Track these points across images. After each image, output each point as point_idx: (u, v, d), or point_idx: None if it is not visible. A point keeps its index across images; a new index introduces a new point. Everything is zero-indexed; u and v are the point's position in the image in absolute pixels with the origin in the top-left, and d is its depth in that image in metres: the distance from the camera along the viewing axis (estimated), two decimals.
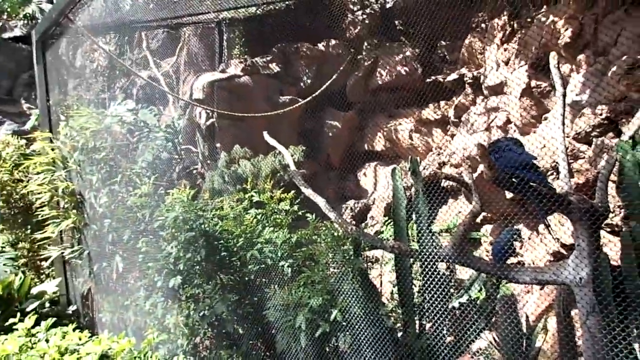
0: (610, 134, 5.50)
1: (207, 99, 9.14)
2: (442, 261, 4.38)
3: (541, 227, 6.06)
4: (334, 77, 9.36)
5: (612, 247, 4.03)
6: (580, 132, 5.60)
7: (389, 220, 6.21)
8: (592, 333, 3.46)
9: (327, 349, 3.60)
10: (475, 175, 7.70)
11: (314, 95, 8.90)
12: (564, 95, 3.91)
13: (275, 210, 5.32)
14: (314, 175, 8.43)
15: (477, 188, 4.83)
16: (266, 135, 6.05)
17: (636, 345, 3.43)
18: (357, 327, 3.53)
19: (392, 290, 5.22)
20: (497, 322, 4.42)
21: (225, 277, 5.08)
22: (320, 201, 5.06)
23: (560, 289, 4.43)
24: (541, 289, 5.97)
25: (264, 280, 4.65)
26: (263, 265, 4.71)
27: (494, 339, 4.69)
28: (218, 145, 9.05)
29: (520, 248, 5.75)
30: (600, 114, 5.46)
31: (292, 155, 5.56)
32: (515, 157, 3.41)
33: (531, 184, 3.38)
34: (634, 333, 3.41)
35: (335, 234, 4.64)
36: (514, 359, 4.38)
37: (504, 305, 3.86)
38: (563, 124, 3.95)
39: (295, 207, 5.41)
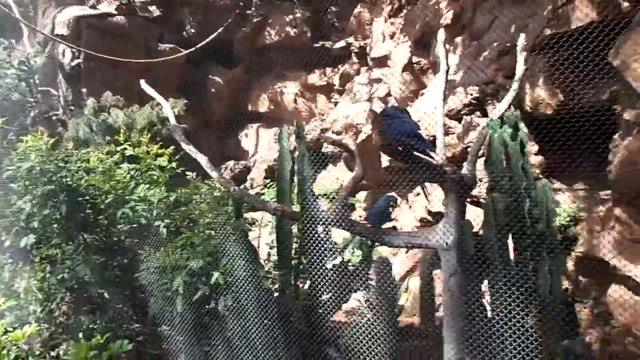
0: (478, 113, 6.04)
1: (72, 36, 8.06)
2: (323, 224, 4.45)
3: (411, 195, 6.50)
4: (220, 29, 8.87)
5: (475, 217, 4.45)
6: (452, 110, 6.05)
7: (271, 183, 6.14)
8: (452, 292, 3.80)
9: (206, 313, 3.47)
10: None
11: (197, 46, 8.35)
12: (447, 71, 4.13)
13: (152, 167, 4.91)
14: (194, 131, 7.99)
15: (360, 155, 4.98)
16: (144, 84, 5.51)
17: (486, 303, 3.85)
18: (238, 289, 3.45)
19: (269, 252, 5.22)
20: (371, 282, 4.68)
21: (90, 237, 4.60)
22: (202, 159, 4.80)
23: (425, 252, 4.78)
24: (406, 252, 6.45)
25: (136, 241, 4.29)
26: (136, 225, 4.33)
27: (365, 298, 4.96)
28: (84, 90, 8.09)
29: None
30: (471, 94, 5.93)
31: (172, 108, 5.16)
32: (405, 126, 3.53)
33: (416, 153, 3.54)
34: (487, 292, 3.82)
35: (217, 194, 4.45)
36: (382, 317, 4.69)
37: (379, 267, 4.07)
38: (444, 99, 4.17)
39: (174, 164, 5.05)
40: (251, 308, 3.55)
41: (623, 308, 4.29)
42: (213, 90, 9.56)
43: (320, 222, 4.46)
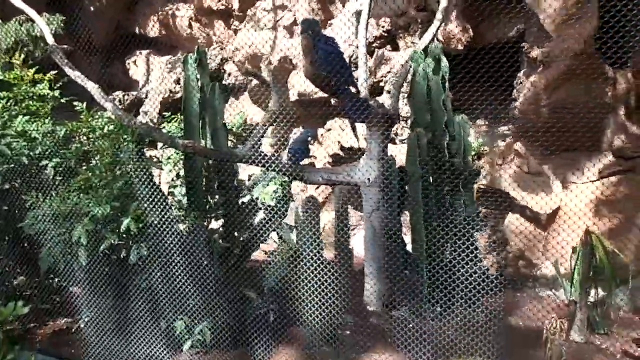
0: (389, 47, 5.95)
1: None
2: (238, 162, 4.15)
3: (321, 130, 6.36)
4: None
5: (397, 153, 4.46)
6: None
7: (171, 116, 5.56)
8: (374, 227, 3.82)
9: (115, 263, 3.05)
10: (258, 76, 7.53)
11: None
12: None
13: (30, 95, 4.07)
14: (71, 55, 6.91)
15: (275, 86, 4.67)
16: None
17: (407, 238, 3.94)
18: (149, 236, 3.07)
19: (173, 192, 4.82)
20: (286, 221, 4.55)
21: None
22: (92, 87, 4.14)
23: (337, 188, 4.71)
24: (316, 189, 6.40)
25: (16, 184, 3.59)
26: (14, 166, 3.60)
27: (278, 235, 4.85)
28: None
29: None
30: (382, 27, 5.79)
31: (48, 26, 4.29)
32: (337, 54, 3.28)
33: (346, 86, 3.34)
34: (407, 226, 3.88)
35: (115, 128, 3.88)
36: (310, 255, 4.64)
37: (307, 205, 3.93)
38: (367, 27, 3.97)
39: (57, 93, 4.25)
40: (165, 255, 3.22)
41: (518, 235, 4.69)
42: (92, 8, 8.29)
43: (236, 160, 4.16)
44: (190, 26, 8.57)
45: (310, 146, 4.25)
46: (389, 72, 5.60)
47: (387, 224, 3.80)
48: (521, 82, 4.61)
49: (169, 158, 4.57)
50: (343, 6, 6.94)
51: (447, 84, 3.75)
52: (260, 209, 4.69)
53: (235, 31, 8.53)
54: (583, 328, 3.24)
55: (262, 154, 4.10)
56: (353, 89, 3.48)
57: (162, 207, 3.26)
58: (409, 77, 3.94)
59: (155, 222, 3.12)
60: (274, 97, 4.14)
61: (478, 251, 4.38)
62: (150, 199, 3.20)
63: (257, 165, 4.11)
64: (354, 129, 4.15)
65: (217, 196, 4.35)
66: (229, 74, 7.97)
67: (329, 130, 6.04)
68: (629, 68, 4.02)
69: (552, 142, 4.46)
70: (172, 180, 4.64)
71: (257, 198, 4.76)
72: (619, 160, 4.13)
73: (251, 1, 8.18)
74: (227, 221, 4.32)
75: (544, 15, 4.03)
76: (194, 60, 4.34)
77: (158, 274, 3.13)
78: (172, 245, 3.38)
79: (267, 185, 5.98)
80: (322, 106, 6.21)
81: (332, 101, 6.02)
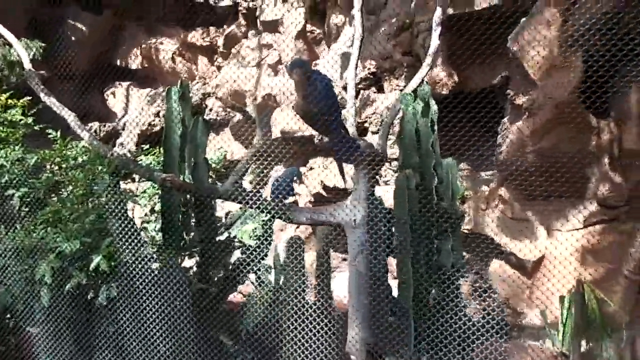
0: (374, 89, 5.98)
1: None
2: (219, 198, 3.99)
3: (303, 169, 6.26)
4: None
5: (381, 195, 4.36)
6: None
7: (149, 149, 5.40)
8: (359, 271, 3.66)
9: (82, 306, 2.77)
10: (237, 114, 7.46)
11: None
12: (362, 40, 3.90)
13: (0, 120, 3.84)
14: (48, 82, 6.72)
15: (261, 122, 4.57)
16: None
17: (393, 282, 3.79)
18: (122, 275, 2.82)
19: (147, 228, 4.59)
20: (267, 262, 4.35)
21: None
22: (69, 115, 3.97)
23: (319, 228, 4.55)
24: (296, 228, 6.23)
25: None
26: None
27: (256, 276, 4.65)
28: None
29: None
30: (369, 69, 5.83)
31: (27, 51, 4.14)
32: (330, 91, 3.21)
33: (336, 125, 3.26)
34: (394, 270, 3.74)
35: (88, 158, 3.68)
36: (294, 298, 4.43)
37: (291, 246, 3.76)
38: (356, 67, 3.95)
39: (30, 120, 4.04)
40: (136, 296, 2.98)
41: (502, 283, 4.59)
42: (73, 38, 8.18)
43: (217, 196, 3.99)
44: (173, 60, 8.51)
45: (295, 185, 4.12)
46: (373, 113, 5.60)
47: (373, 267, 3.65)
48: (506, 128, 4.63)
49: (144, 192, 4.38)
50: (329, 48, 7.01)
51: (435, 127, 3.71)
52: (238, 247, 4.49)
53: (219, 67, 8.51)
54: None
55: (245, 191, 3.95)
56: (342, 129, 3.41)
57: (136, 244, 3.05)
58: (397, 118, 3.91)
59: (129, 260, 2.89)
60: (259, 133, 4.04)
61: (466, 299, 4.26)
62: (125, 235, 2.99)
63: (239, 202, 3.95)
64: (341, 169, 4.05)
65: (193, 233, 4.15)
66: (210, 109, 7.89)
67: (311, 169, 5.95)
68: (610, 118, 4.08)
69: (536, 189, 4.45)
70: (146, 215, 4.42)
71: (234, 237, 4.57)
72: (604, 209, 4.13)
73: (237, 39, 8.22)
74: (203, 260, 4.10)
75: (529, 63, 4.09)
76: (177, 93, 4.24)
77: (127, 317, 2.88)
78: (145, 286, 3.15)
79: (246, 223, 5.80)
80: (305, 144, 6.14)
81: (315, 140, 5.96)
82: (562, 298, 3.93)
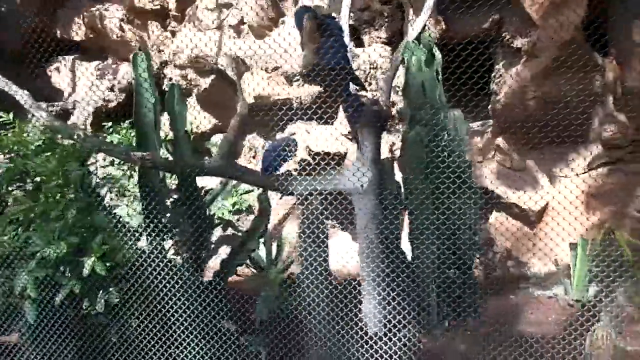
0: (352, 43, 5.58)
1: None
2: (208, 175, 3.58)
3: (282, 134, 5.87)
4: None
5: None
6: None
7: (112, 127, 4.86)
8: (370, 239, 3.40)
9: (77, 319, 2.31)
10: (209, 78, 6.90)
11: None
12: None
13: None
14: None
15: (239, 87, 4.12)
16: None
17: (406, 249, 3.56)
18: (118, 277, 2.39)
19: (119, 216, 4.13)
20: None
21: None
22: (22, 94, 3.42)
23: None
24: (280, 199, 5.88)
25: None
26: None
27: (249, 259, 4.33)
28: None
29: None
30: (345, 22, 5.41)
31: None
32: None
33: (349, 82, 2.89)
34: (406, 237, 3.50)
35: (49, 141, 3.15)
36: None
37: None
38: (348, 20, 3.57)
39: None
40: (136, 299, 2.58)
41: (504, 234, 4.47)
42: (3, 8, 7.25)
43: (206, 173, 3.58)
44: (121, 28, 7.74)
45: (290, 155, 3.76)
46: (357, 69, 5.24)
47: (387, 235, 3.40)
48: (500, 75, 4.40)
49: (114, 176, 3.89)
50: (294, 3, 6.51)
51: (440, 77, 3.42)
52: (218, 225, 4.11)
53: (173, 33, 7.80)
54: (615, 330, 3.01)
55: (237, 165, 3.56)
56: (355, 86, 3.05)
57: (130, 237, 2.62)
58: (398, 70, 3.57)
59: (128, 258, 2.47)
60: (242, 99, 3.62)
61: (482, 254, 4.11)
62: (111, 229, 2.56)
63: (231, 178, 3.57)
64: (354, 132, 3.71)
65: (181, 218, 3.74)
66: (170, 79, 7.26)
67: (293, 134, 5.55)
68: (611, 56, 3.92)
69: (535, 136, 4.27)
70: (111, 200, 3.94)
71: (213, 214, 4.18)
72: (608, 150, 4.02)
73: (190, 0, 7.54)
74: (197, 248, 3.71)
75: (529, 2, 3.83)
76: (144, 60, 3.73)
77: (133, 323, 2.48)
78: (150, 285, 2.74)
79: (226, 199, 5.39)
80: (283, 110, 5.73)
81: (295, 103, 5.57)
82: (572, 245, 3.83)
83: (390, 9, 5.14)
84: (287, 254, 5.19)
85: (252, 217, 5.56)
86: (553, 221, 4.15)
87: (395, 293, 3.44)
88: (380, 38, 5.23)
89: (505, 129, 4.48)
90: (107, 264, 2.35)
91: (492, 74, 4.49)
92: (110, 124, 4.48)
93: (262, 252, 4.63)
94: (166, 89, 7.42)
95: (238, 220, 6.16)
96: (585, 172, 4.11)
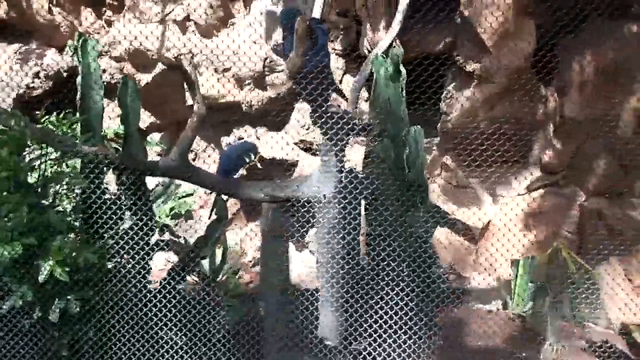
0: None
1: None
2: (164, 176, 3.35)
3: (227, 139, 5.68)
4: None
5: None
6: (279, 45, 5.39)
7: (47, 117, 4.43)
8: (334, 250, 3.36)
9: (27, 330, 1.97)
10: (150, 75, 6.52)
11: None
12: None
13: None
14: None
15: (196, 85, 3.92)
16: None
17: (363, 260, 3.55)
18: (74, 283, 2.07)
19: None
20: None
21: None
22: None
23: (265, 205, 4.14)
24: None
25: None
26: None
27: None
28: None
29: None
30: None
31: None
32: (326, 47, 2.76)
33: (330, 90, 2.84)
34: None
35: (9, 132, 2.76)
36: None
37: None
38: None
39: None
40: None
41: (447, 248, 4.64)
42: None
43: (159, 173, 3.35)
44: (49, 11, 7.12)
45: (250, 160, 3.63)
46: None
47: (346, 245, 3.37)
48: (451, 96, 4.59)
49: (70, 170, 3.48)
50: (245, 6, 6.36)
51: (404, 93, 3.48)
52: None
53: (109, 22, 7.32)
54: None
55: (193, 167, 3.38)
56: (335, 95, 3.02)
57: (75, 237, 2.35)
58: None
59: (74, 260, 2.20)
60: (199, 97, 3.46)
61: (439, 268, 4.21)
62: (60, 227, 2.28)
63: (186, 180, 3.37)
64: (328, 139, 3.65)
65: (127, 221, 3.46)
66: (104, 70, 6.77)
67: (240, 139, 5.40)
68: (553, 87, 4.23)
69: (481, 156, 4.48)
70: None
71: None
72: (546, 174, 4.32)
73: None
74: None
75: (483, 28, 4.04)
76: (95, 46, 3.45)
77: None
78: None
79: (166, 202, 5.20)
80: (230, 113, 5.57)
81: (243, 107, 5.42)
82: (514, 262, 4.05)
83: (346, 21, 5.18)
84: (233, 262, 5.01)
85: (190, 222, 5.33)
86: (494, 238, 4.38)
87: (352, 304, 3.42)
88: (335, 50, 5.25)
89: (451, 148, 4.66)
90: (68, 269, 2.07)
91: (443, 95, 4.66)
92: (43, 112, 4.05)
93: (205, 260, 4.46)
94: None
95: (176, 225, 5.85)
96: (524, 194, 4.38)
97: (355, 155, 4.23)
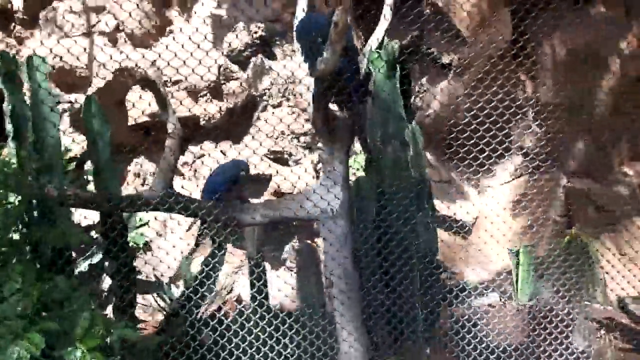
0: (260, 56, 5.17)
1: None
2: (153, 210, 2.87)
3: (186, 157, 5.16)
4: None
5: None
6: (234, 50, 4.97)
7: None
8: (345, 267, 3.07)
9: None
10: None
11: None
12: None
13: None
14: None
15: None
16: None
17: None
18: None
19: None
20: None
21: None
22: None
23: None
24: (188, 230, 5.14)
25: None
26: None
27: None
28: None
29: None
30: (255, 32, 5.00)
31: None
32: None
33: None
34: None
35: None
36: None
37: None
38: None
39: None
40: None
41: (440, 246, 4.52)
42: None
43: (141, 207, 2.86)
44: None
45: (242, 180, 3.25)
46: (272, 83, 4.88)
47: (361, 261, 3.11)
48: (425, 90, 4.47)
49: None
50: (182, 12, 5.86)
51: (399, 90, 3.28)
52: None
53: (20, 40, 6.45)
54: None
55: (180, 195, 2.94)
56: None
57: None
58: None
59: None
60: (173, 118, 3.04)
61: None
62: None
63: (173, 211, 2.91)
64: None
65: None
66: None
67: (201, 157, 4.91)
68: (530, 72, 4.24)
69: (462, 147, 4.41)
70: None
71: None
72: (528, 160, 4.32)
73: (44, 1, 6.31)
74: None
75: (459, 18, 3.95)
76: (43, 65, 2.92)
77: None
78: None
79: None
80: (186, 128, 5.06)
81: (202, 121, 4.96)
82: (513, 251, 4.00)
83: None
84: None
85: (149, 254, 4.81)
86: (483, 229, 4.32)
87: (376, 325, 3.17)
88: (295, 52, 4.95)
89: (431, 143, 4.54)
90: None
91: (416, 90, 4.54)
92: None
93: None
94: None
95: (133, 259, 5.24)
96: (510, 181, 4.36)
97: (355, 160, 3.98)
